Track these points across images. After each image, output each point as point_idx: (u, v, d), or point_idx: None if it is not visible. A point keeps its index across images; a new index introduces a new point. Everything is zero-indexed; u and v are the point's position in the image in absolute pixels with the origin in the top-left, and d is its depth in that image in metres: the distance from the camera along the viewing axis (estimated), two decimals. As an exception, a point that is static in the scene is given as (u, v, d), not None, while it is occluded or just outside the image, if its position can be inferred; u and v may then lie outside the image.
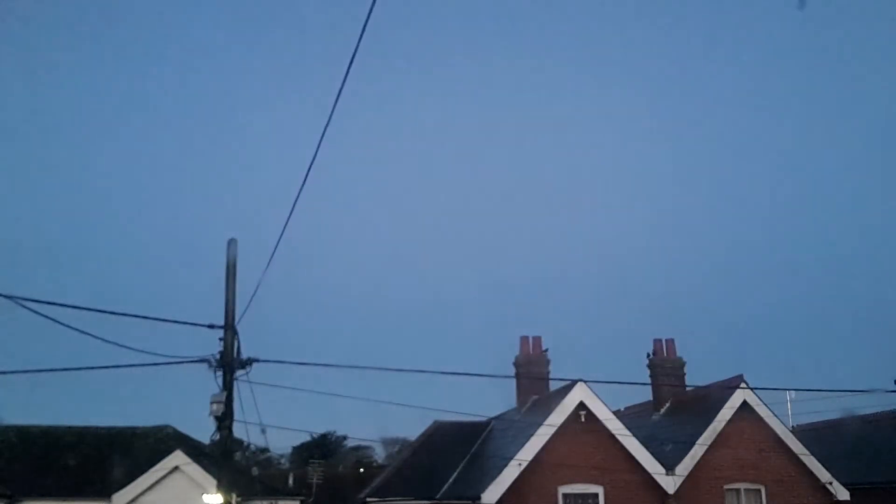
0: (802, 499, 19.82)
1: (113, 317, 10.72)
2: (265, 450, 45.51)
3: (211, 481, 16.00)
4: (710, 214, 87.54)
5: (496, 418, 24.42)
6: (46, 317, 9.68)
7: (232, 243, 12.55)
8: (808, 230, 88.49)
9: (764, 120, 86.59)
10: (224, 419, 11.79)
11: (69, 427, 24.17)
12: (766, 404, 20.12)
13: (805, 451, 19.98)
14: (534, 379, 22.65)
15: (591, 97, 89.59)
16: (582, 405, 19.05)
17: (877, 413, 25.38)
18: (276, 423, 14.26)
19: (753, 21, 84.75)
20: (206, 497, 13.02)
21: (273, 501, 22.63)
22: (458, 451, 22.18)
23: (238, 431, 12.37)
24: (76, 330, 10.24)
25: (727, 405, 19.78)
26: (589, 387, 19.13)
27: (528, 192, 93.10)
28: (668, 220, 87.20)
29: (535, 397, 22.60)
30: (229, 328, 12.13)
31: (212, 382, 11.88)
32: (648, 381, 23.29)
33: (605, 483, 18.86)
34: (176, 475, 20.38)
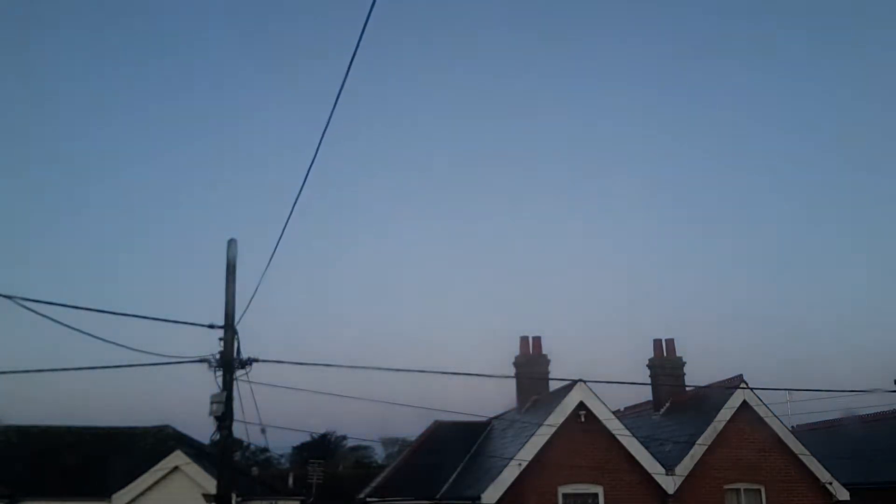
0: (802, 499, 19.80)
1: (113, 317, 10.74)
2: (265, 450, 45.63)
3: (211, 481, 16.01)
4: (711, 214, 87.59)
5: (496, 418, 24.45)
6: (46, 317, 9.68)
7: (232, 243, 12.56)
8: (809, 229, 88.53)
9: (766, 117, 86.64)
10: (224, 419, 11.78)
11: (69, 427, 24.20)
12: (766, 404, 20.12)
13: (805, 451, 19.97)
14: (534, 379, 22.65)
15: (584, 89, 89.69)
16: (582, 405, 19.04)
17: (877, 413, 25.43)
18: (276, 423, 14.25)
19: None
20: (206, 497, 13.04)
21: (273, 501, 22.67)
22: (458, 451, 22.20)
23: (238, 431, 12.36)
24: (76, 330, 10.25)
25: (727, 405, 19.78)
26: (589, 387, 19.13)
27: (528, 192, 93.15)
28: (668, 219, 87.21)
29: (535, 397, 22.61)
30: (229, 328, 12.12)
31: (212, 382, 11.88)
32: (648, 381, 23.31)
33: (605, 483, 18.84)
34: (176, 475, 20.41)
